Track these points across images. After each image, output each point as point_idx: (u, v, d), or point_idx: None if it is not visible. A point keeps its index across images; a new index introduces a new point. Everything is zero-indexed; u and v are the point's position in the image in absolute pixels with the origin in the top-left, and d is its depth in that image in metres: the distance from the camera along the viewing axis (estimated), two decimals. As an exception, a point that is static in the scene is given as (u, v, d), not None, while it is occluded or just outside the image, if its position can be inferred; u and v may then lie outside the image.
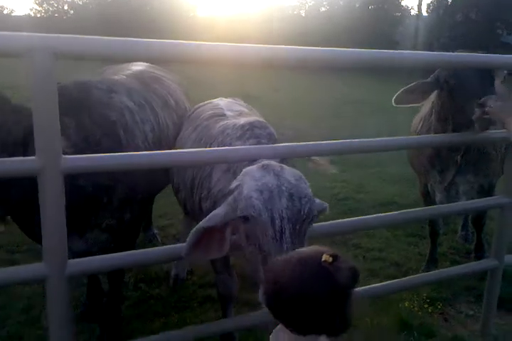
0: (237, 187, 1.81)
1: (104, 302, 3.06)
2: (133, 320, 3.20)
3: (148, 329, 2.95)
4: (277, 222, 1.63)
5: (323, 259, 1.31)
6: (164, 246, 2.29)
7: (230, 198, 1.84)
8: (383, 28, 27.16)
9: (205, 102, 3.27)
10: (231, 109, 2.93)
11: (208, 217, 1.87)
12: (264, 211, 1.64)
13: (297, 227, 1.67)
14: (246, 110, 3.03)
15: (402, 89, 3.11)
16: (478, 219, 4.06)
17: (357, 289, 2.59)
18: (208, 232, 1.85)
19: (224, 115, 2.81)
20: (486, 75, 2.92)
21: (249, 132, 2.32)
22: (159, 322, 3.16)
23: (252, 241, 1.68)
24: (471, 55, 2.69)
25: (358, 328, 3.13)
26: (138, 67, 3.57)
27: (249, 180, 1.75)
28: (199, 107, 3.24)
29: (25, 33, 1.67)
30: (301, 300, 1.29)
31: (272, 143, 2.25)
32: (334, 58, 2.26)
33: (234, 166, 2.25)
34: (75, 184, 2.25)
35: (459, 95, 3.03)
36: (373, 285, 2.77)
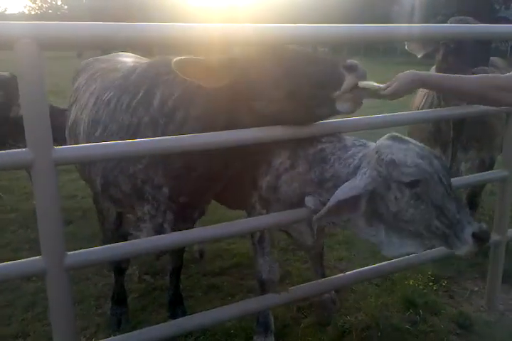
0: (379, 160, 1.98)
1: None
2: (138, 312, 3.19)
3: (154, 321, 2.94)
4: (444, 179, 1.92)
5: None
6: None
7: (369, 170, 2.01)
8: (378, 7, 26.86)
9: None
10: None
11: (345, 189, 2.01)
12: (433, 173, 1.90)
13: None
14: None
15: None
16: (474, 196, 3.97)
17: (360, 269, 2.62)
18: None
19: None
20: (483, 48, 2.98)
21: None
22: (165, 314, 3.15)
23: (421, 200, 1.92)
24: (465, 26, 2.63)
25: (363, 309, 3.14)
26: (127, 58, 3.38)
27: (399, 151, 1.96)
28: None
29: (7, 22, 1.61)
30: None
31: None
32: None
33: None
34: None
35: (454, 61, 3.08)
36: (376, 264, 2.75)
